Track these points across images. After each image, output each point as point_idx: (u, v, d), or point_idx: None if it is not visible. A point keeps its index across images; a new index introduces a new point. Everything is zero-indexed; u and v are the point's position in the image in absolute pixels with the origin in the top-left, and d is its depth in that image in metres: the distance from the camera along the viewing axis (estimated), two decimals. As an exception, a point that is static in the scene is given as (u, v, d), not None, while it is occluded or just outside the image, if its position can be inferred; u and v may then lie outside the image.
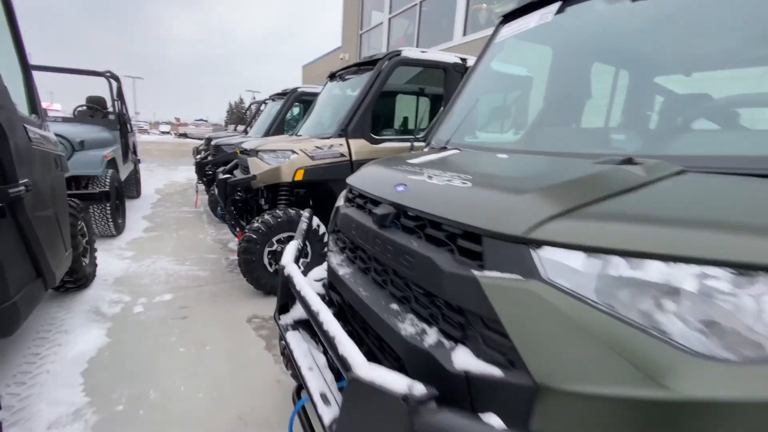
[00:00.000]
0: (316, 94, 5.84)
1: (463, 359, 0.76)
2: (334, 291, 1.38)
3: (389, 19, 11.62)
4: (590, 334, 0.64)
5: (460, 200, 0.87)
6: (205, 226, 5.49)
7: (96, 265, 3.38)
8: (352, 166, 3.24)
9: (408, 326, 0.89)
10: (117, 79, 6.22)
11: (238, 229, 3.75)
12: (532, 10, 1.84)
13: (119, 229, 4.66)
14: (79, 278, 2.97)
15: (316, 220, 3.23)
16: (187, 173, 11.29)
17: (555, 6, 1.77)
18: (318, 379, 1.04)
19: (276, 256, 3.13)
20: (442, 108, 3.59)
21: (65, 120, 5.28)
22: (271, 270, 3.12)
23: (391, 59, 3.32)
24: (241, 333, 2.61)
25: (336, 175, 3.21)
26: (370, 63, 3.48)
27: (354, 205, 1.34)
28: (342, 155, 3.21)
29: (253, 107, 8.86)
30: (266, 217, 3.04)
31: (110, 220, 4.39)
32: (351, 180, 1.42)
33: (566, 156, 1.15)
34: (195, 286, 3.32)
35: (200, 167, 6.09)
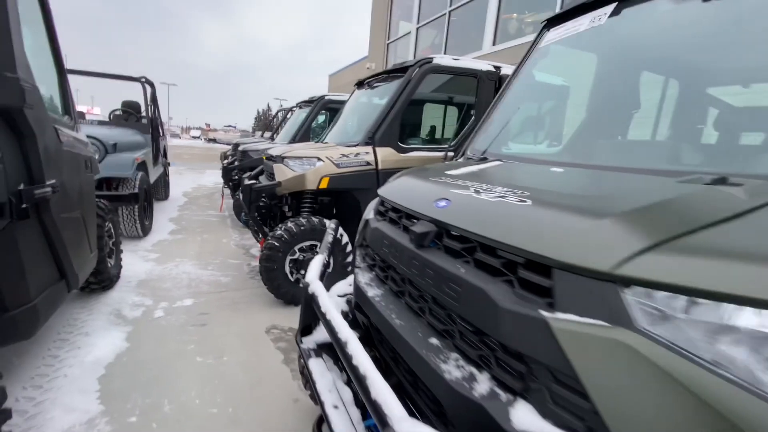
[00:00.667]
0: (342, 102, 5.82)
1: (526, 418, 0.62)
2: (360, 312, 1.26)
3: (417, 28, 11.61)
4: (701, 401, 0.49)
5: (521, 221, 0.74)
6: (229, 230, 5.51)
7: (121, 267, 3.40)
8: (378, 175, 3.14)
9: (452, 368, 0.76)
10: (151, 84, 6.41)
11: (260, 236, 3.71)
12: (583, 12, 1.70)
13: (146, 230, 4.72)
14: (103, 279, 2.97)
15: (339, 230, 3.14)
16: (215, 177, 11.54)
17: (609, 8, 1.62)
18: (344, 420, 0.92)
19: (298, 264, 3.04)
20: (473, 117, 3.46)
21: (101, 123, 5.46)
22: (292, 279, 3.03)
23: (421, 66, 3.22)
24: (260, 344, 2.52)
25: (361, 184, 3.12)
26: (400, 70, 3.40)
27: (386, 219, 1.23)
28: (368, 164, 3.12)
29: (281, 114, 8.97)
30: (289, 224, 2.97)
31: (137, 221, 4.45)
32: (383, 191, 1.30)
33: (636, 172, 0.99)
34: (216, 292, 3.27)
35: (227, 172, 6.15)
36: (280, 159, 3.31)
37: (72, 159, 2.10)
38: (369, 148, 3.16)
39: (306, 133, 5.71)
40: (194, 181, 10.70)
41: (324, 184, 3.02)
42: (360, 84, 4.22)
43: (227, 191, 6.98)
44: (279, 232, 2.95)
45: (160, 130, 6.91)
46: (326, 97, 5.77)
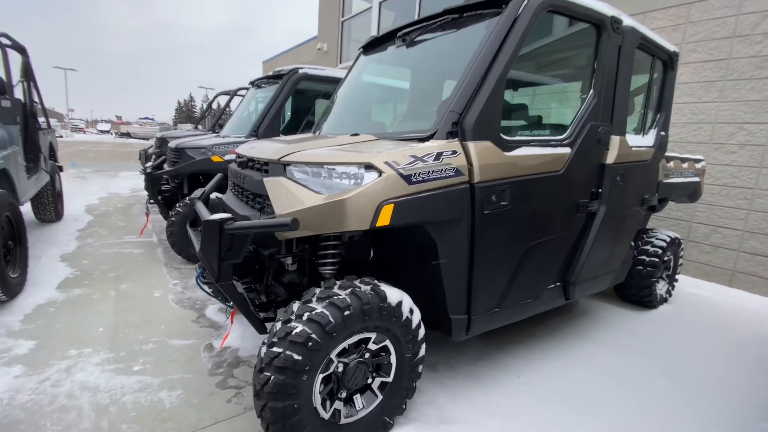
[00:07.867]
0: (325, 79, 4.20)
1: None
2: None
3: (380, 3, 10.10)
4: None
5: None
6: (162, 270, 3.63)
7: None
8: (474, 192, 1.69)
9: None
10: (21, 49, 4.19)
11: (230, 308, 2.05)
12: None
13: (10, 291, 2.73)
14: None
15: (408, 303, 1.64)
16: (132, 182, 9.01)
17: None
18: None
19: (337, 383, 1.50)
20: (591, 90, 2.15)
21: None
22: (326, 416, 1.48)
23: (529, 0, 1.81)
24: None
25: (445, 214, 1.65)
26: (481, 5, 1.96)
27: None
28: (458, 172, 1.65)
29: (220, 99, 6.96)
30: (319, 309, 1.41)
31: (-11, 280, 2.48)
32: None
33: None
34: (155, 445, 1.59)
35: (153, 180, 4.19)
36: (279, 167, 1.69)
37: None
38: (455, 144, 1.68)
39: (274, 122, 3.99)
40: (103, 188, 8.14)
41: (385, 219, 1.49)
42: (372, 45, 2.68)
43: (153, 206, 4.96)
44: (300, 328, 1.37)
45: (40, 120, 4.66)
46: (302, 70, 4.07)
